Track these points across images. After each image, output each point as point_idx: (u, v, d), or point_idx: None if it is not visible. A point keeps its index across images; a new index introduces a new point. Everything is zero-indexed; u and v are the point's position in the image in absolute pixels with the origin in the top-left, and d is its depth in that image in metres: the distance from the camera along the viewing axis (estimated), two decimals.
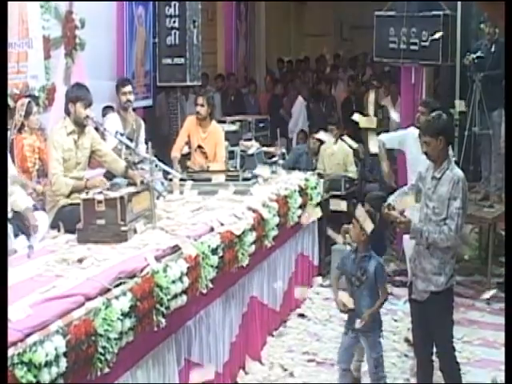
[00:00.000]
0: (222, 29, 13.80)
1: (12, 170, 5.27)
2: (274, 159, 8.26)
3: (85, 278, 4.26)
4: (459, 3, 9.31)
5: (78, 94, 5.81)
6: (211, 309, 5.48)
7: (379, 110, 11.80)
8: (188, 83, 9.26)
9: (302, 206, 7.58)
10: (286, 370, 6.26)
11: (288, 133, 12.43)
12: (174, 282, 4.62)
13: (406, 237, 6.42)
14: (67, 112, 5.84)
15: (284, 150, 9.00)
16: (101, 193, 5.25)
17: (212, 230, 5.57)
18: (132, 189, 5.52)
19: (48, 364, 3.41)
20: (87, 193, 5.37)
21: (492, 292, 7.46)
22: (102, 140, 6.21)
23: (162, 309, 4.48)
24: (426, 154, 5.07)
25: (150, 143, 5.71)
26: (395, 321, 7.22)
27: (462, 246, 8.18)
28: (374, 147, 7.83)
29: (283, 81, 14.25)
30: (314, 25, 18.06)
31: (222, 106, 12.24)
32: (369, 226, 5.18)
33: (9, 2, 5.17)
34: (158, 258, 4.72)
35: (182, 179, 6.75)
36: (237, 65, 14.12)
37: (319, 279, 8.38)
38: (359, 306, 5.32)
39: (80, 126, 5.84)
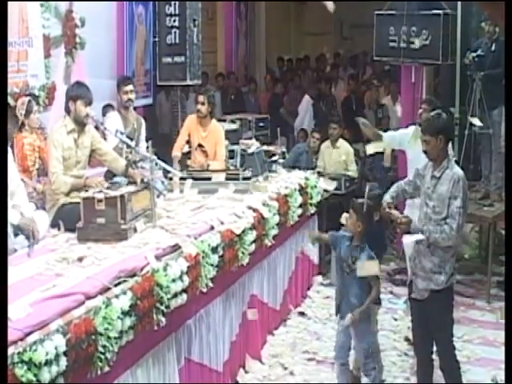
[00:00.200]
0: (222, 28, 13.80)
1: (15, 172, 5.25)
2: (274, 158, 8.26)
3: (85, 277, 4.26)
4: (459, 2, 9.31)
5: (78, 93, 5.81)
6: (211, 308, 5.48)
7: (379, 108, 11.82)
8: (188, 82, 9.24)
9: (302, 205, 7.58)
10: (286, 368, 6.27)
11: (288, 132, 12.42)
12: (174, 280, 4.62)
13: (405, 236, 6.43)
14: (67, 110, 5.84)
15: (284, 149, 8.98)
16: (101, 191, 5.25)
17: (212, 228, 5.57)
18: (132, 187, 5.52)
19: (48, 363, 3.42)
20: (87, 191, 5.37)
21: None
22: (102, 139, 6.22)
23: (162, 308, 4.48)
24: (425, 152, 5.07)
25: (150, 142, 5.71)
26: (395, 320, 7.22)
27: (462, 245, 8.19)
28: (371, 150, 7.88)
29: (283, 80, 14.25)
30: (314, 24, 18.06)
31: (222, 104, 12.24)
32: None
33: (9, 1, 5.17)
34: (158, 257, 4.72)
35: (182, 178, 6.75)
36: (237, 64, 14.12)
37: (319, 278, 8.38)
38: (347, 293, 5.34)
39: (80, 124, 5.83)
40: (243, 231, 5.80)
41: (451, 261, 5.07)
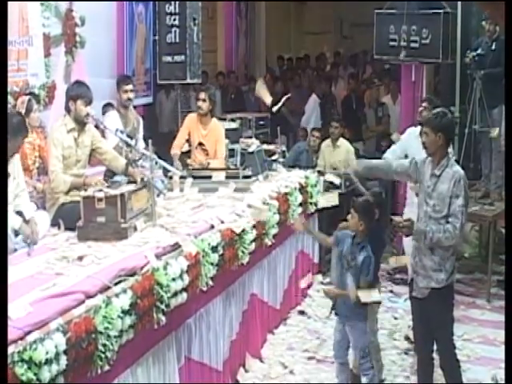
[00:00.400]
0: (222, 27, 13.80)
1: (22, 177, 5.28)
2: (275, 157, 8.26)
3: (85, 276, 4.27)
4: (459, 1, 9.31)
5: (78, 92, 5.81)
6: (211, 306, 5.48)
7: (379, 107, 11.82)
8: (188, 81, 9.25)
9: (303, 204, 7.58)
10: (286, 367, 6.27)
11: (288, 130, 12.42)
12: (174, 279, 4.62)
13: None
14: (67, 110, 5.84)
15: (284, 148, 8.98)
16: (101, 190, 5.25)
17: (212, 227, 5.57)
18: (132, 186, 5.51)
19: (48, 362, 3.42)
20: (86, 190, 5.37)
21: None
22: (102, 138, 6.22)
23: (162, 306, 4.48)
24: (423, 144, 5.09)
25: (150, 141, 5.71)
26: (395, 318, 7.23)
27: (462, 243, 8.19)
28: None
29: (283, 79, 14.24)
30: (314, 23, 18.06)
31: (222, 103, 12.23)
32: None
33: (9, 1, 5.17)
34: (158, 256, 4.72)
35: (182, 177, 6.75)
36: (237, 63, 14.11)
37: (319, 277, 8.38)
38: (344, 290, 5.32)
39: (80, 123, 5.83)
40: (243, 230, 5.81)
41: (451, 259, 5.07)
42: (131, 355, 4.29)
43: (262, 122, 11.30)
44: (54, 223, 5.49)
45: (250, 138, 8.70)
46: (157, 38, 9.28)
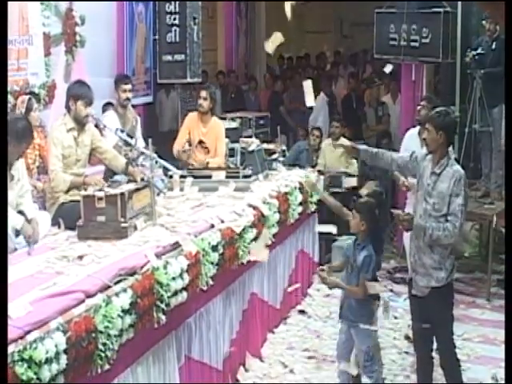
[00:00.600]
0: (222, 26, 13.80)
1: (26, 178, 5.29)
2: (275, 156, 8.26)
3: (85, 275, 4.27)
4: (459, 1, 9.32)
5: (79, 92, 5.80)
6: (211, 306, 5.48)
7: (379, 106, 11.82)
8: (188, 80, 9.25)
9: (303, 203, 7.58)
10: (286, 366, 6.27)
11: (288, 130, 12.43)
12: (174, 278, 4.62)
13: (406, 234, 6.42)
14: (68, 108, 5.84)
15: (284, 147, 8.99)
16: (101, 189, 5.25)
17: (212, 226, 5.57)
18: (132, 186, 5.51)
19: (48, 361, 3.42)
20: (86, 189, 5.37)
21: None
22: (102, 137, 6.21)
23: (163, 306, 4.48)
24: (424, 140, 5.11)
25: (150, 140, 5.71)
26: (395, 318, 7.22)
27: (462, 243, 8.19)
28: None
29: (283, 78, 14.24)
30: (315, 22, 18.06)
31: (222, 102, 12.22)
32: None
33: (9, 0, 5.17)
34: (158, 255, 4.72)
35: (182, 176, 6.75)
36: (237, 62, 14.11)
37: None
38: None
39: (80, 123, 5.83)
40: (243, 229, 5.81)
41: (451, 257, 5.07)
42: (131, 354, 4.29)
43: (261, 122, 11.30)
44: (54, 222, 5.49)
45: (250, 137, 8.70)
46: (157, 37, 9.28)
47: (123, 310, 4.05)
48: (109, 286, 4.16)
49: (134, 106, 7.73)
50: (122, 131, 6.22)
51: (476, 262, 8.86)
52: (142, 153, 6.04)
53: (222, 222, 5.71)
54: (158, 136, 8.91)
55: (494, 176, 8.59)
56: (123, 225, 5.14)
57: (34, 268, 4.47)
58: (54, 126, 5.87)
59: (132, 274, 4.39)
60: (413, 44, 8.85)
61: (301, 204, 7.50)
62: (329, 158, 9.27)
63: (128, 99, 7.22)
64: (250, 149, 7.60)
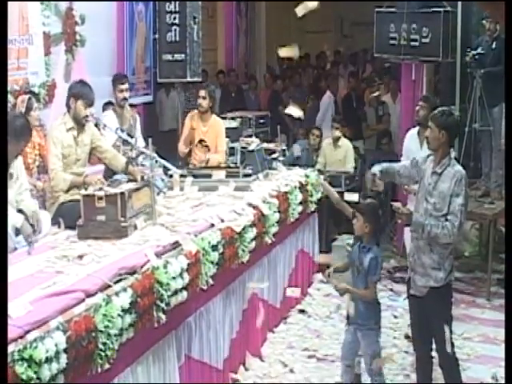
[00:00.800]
0: (222, 25, 13.79)
1: (25, 177, 5.29)
2: (275, 155, 8.26)
3: (85, 274, 4.27)
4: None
5: (80, 92, 5.80)
6: (211, 305, 5.48)
7: (379, 106, 11.82)
8: (188, 79, 9.25)
9: (303, 202, 7.58)
10: (286, 366, 6.27)
11: (288, 129, 12.43)
12: (174, 278, 4.62)
13: (407, 232, 6.43)
14: (68, 107, 5.84)
15: (284, 147, 8.99)
16: (101, 189, 5.25)
17: (212, 226, 5.57)
18: (132, 185, 5.52)
19: (48, 360, 3.42)
20: (86, 189, 5.37)
21: None
22: (102, 136, 6.21)
23: (163, 305, 4.48)
24: (426, 138, 5.13)
25: (150, 139, 5.71)
26: (395, 317, 7.22)
27: (462, 242, 8.19)
28: None
29: (283, 77, 14.24)
30: (315, 21, 18.01)
31: (223, 101, 12.22)
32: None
33: (9, 0, 5.17)
34: (158, 255, 4.72)
35: (182, 175, 6.75)
36: (237, 61, 14.11)
37: (319, 276, 8.37)
38: (355, 296, 5.33)
39: (79, 123, 5.83)
40: (243, 229, 5.81)
41: (450, 258, 5.08)
42: (131, 354, 4.29)
43: (262, 121, 11.30)
44: (54, 222, 5.49)
45: (250, 136, 8.70)
46: (157, 36, 9.28)
47: (123, 310, 4.05)
48: (109, 286, 4.16)
49: (134, 106, 7.73)
50: (122, 130, 6.22)
51: (476, 261, 8.85)
52: (142, 152, 6.05)
53: (222, 221, 5.71)
54: (158, 135, 8.91)
55: (494, 175, 8.59)
56: (123, 224, 5.15)
57: (34, 267, 4.48)
58: (54, 126, 5.87)
59: (132, 274, 4.40)
60: (413, 43, 8.84)
61: (301, 203, 7.50)
62: (329, 158, 9.28)
63: (125, 99, 7.22)
64: (250, 148, 7.61)
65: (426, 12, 8.73)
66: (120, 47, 9.04)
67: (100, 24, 8.46)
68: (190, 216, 5.75)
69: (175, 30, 9.08)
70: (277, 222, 6.65)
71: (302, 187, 7.63)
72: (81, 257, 4.63)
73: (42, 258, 4.67)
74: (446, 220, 4.91)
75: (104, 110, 7.69)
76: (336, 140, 9.34)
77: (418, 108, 7.07)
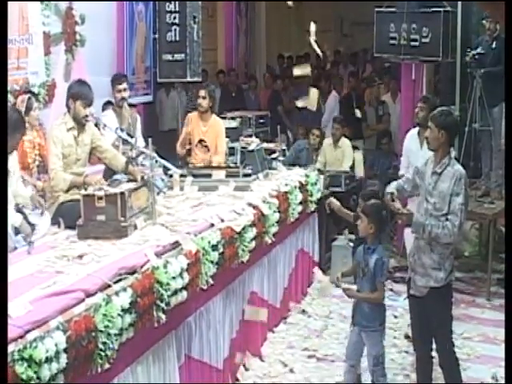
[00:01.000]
0: (222, 25, 13.79)
1: (17, 170, 5.29)
2: (275, 155, 8.26)
3: (85, 274, 4.27)
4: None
5: (79, 92, 5.79)
6: (211, 305, 5.48)
7: (379, 106, 11.82)
8: (188, 79, 9.25)
9: (303, 202, 7.58)
10: (286, 366, 6.27)
11: (288, 129, 12.44)
12: (174, 278, 4.62)
13: (407, 232, 6.43)
14: (67, 107, 5.84)
15: (284, 147, 8.99)
16: (101, 189, 5.25)
17: (212, 226, 5.57)
18: (132, 185, 5.52)
19: (48, 360, 3.42)
20: (86, 189, 5.37)
21: None
22: (102, 136, 6.21)
23: (163, 305, 4.48)
24: (426, 139, 5.14)
25: (150, 139, 5.71)
26: (395, 317, 7.21)
27: (462, 242, 8.18)
28: None
29: (283, 77, 14.24)
30: (315, 21, 18.05)
31: (223, 101, 12.22)
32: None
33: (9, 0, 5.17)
34: (158, 254, 4.72)
35: (182, 175, 6.75)
36: (237, 61, 14.11)
37: (319, 275, 8.37)
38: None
39: (79, 123, 5.83)
40: (243, 228, 5.80)
41: (450, 258, 5.08)
42: (131, 354, 4.29)
43: (262, 121, 11.30)
44: (54, 222, 5.49)
45: (250, 136, 8.70)
46: (157, 36, 9.28)
47: (123, 309, 4.05)
48: (109, 285, 4.16)
49: (134, 106, 7.73)
50: (122, 130, 6.22)
51: (476, 261, 8.85)
52: (142, 152, 6.04)
53: (222, 221, 5.70)
54: (157, 135, 8.91)
55: (494, 175, 8.59)
56: (123, 224, 5.15)
57: (34, 267, 4.48)
58: (54, 125, 5.86)
59: (132, 273, 4.40)
60: (413, 43, 8.85)
61: (301, 203, 7.50)
62: (329, 157, 9.27)
63: (123, 98, 7.22)
64: (250, 148, 7.61)
65: (425, 12, 8.73)
66: (120, 47, 9.04)
67: (100, 24, 8.46)
68: (190, 216, 5.76)
69: (175, 29, 9.08)
70: (277, 222, 6.65)
71: (302, 187, 7.63)
72: (81, 256, 4.63)
73: (41, 257, 4.67)
74: (447, 220, 4.91)
75: (104, 109, 7.69)
76: (336, 141, 9.33)
77: (417, 109, 7.06)
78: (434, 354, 5.29)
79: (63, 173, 5.71)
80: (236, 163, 7.48)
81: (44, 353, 3.38)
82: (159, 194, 6.22)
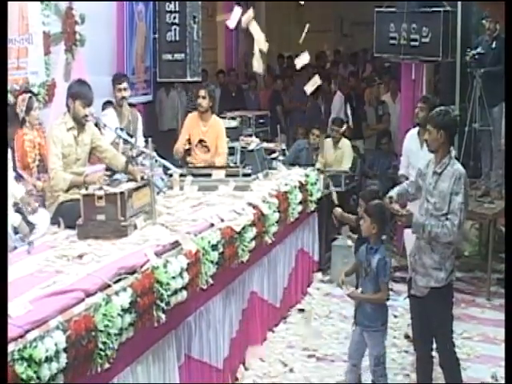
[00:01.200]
0: (222, 25, 13.77)
1: (10, 166, 5.28)
2: (274, 155, 8.26)
3: (85, 274, 4.27)
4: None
5: (78, 92, 5.79)
6: (211, 304, 5.48)
7: (379, 105, 11.82)
8: (188, 79, 9.25)
9: (303, 202, 7.58)
10: (286, 365, 6.27)
11: (288, 129, 12.43)
12: (174, 277, 4.62)
13: (407, 232, 6.43)
14: (68, 107, 5.84)
15: (284, 146, 8.99)
16: (101, 188, 5.25)
17: (212, 225, 5.57)
18: (132, 184, 5.52)
19: (48, 360, 3.42)
20: (87, 188, 5.37)
21: None
22: (102, 136, 6.21)
23: (162, 304, 4.48)
24: (426, 141, 5.14)
25: (150, 139, 5.71)
26: (395, 317, 7.21)
27: (462, 242, 8.18)
28: None
29: (283, 77, 14.23)
30: (315, 21, 17.98)
31: (223, 101, 12.22)
32: None
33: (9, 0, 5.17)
34: (158, 254, 4.72)
35: (182, 175, 6.75)
36: (237, 61, 14.10)
37: (319, 275, 8.38)
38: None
39: (79, 123, 5.83)
40: (243, 228, 5.81)
41: (451, 258, 5.08)
42: (131, 353, 4.29)
43: (262, 121, 11.30)
44: (54, 221, 5.49)
45: (250, 136, 8.69)
46: (157, 36, 9.28)
47: (123, 309, 4.05)
48: (109, 285, 4.16)
49: (133, 105, 7.72)
50: (122, 130, 6.21)
51: (476, 260, 8.85)
52: (142, 151, 6.04)
53: (222, 220, 5.70)
54: (157, 135, 8.90)
55: (494, 175, 8.59)
56: (123, 224, 5.15)
57: (34, 267, 4.48)
58: (54, 125, 5.86)
59: (132, 273, 4.40)
60: (413, 43, 8.85)
61: (300, 203, 7.50)
62: (329, 158, 9.27)
63: (124, 98, 7.22)
64: (250, 148, 7.61)
65: (425, 12, 8.73)
66: (120, 47, 9.03)
67: (100, 23, 8.45)
68: (190, 215, 5.76)
69: (175, 29, 9.08)
70: (277, 222, 6.66)
71: (302, 187, 7.63)
72: (80, 256, 4.63)
73: (41, 257, 4.67)
74: (446, 219, 4.91)
75: (103, 109, 7.69)
76: (336, 142, 9.33)
77: (417, 110, 7.05)
78: (434, 353, 5.30)
79: (63, 172, 5.71)
80: (236, 163, 7.48)
81: (44, 352, 3.39)
82: (159, 193, 6.22)
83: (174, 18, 9.07)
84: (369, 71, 14.87)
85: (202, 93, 7.54)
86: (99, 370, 3.86)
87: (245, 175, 6.97)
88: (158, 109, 11.38)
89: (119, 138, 6.25)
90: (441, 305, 5.11)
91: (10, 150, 5.26)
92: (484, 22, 8.62)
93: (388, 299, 5.39)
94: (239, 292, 6.10)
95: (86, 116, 5.80)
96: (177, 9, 9.07)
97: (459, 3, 9.30)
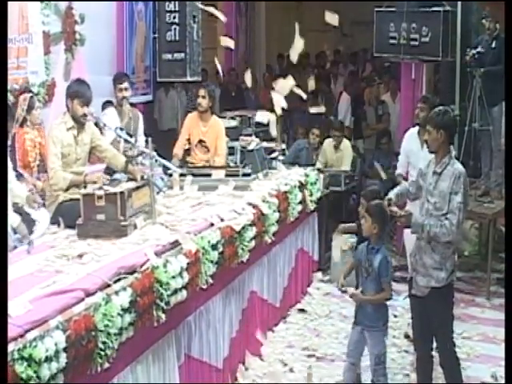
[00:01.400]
0: (222, 24, 13.76)
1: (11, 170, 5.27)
2: (274, 155, 8.26)
3: (85, 274, 4.27)
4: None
5: (76, 92, 5.79)
6: (211, 304, 5.48)
7: (379, 105, 11.81)
8: (188, 79, 9.24)
9: (302, 202, 7.58)
10: (285, 365, 6.27)
11: (288, 128, 12.43)
12: (174, 277, 4.62)
13: (406, 232, 6.43)
14: (67, 106, 5.84)
15: (284, 146, 8.99)
16: (101, 188, 5.25)
17: (212, 225, 5.57)
18: (132, 184, 5.52)
19: (48, 359, 3.42)
20: (86, 187, 5.37)
21: None
22: (102, 136, 6.21)
23: (162, 304, 4.48)
24: (426, 142, 5.14)
25: (150, 139, 5.71)
26: (395, 316, 7.20)
27: (462, 241, 8.19)
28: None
29: (283, 77, 14.19)
30: (314, 20, 17.99)
31: (223, 101, 12.21)
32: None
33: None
34: (158, 254, 4.72)
35: (182, 174, 6.75)
36: (237, 60, 14.09)
37: (319, 275, 8.38)
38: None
39: (78, 122, 5.83)
40: (243, 228, 5.81)
41: (452, 257, 5.07)
42: (131, 353, 4.29)
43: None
44: (54, 221, 5.49)
45: (250, 135, 8.68)
46: (156, 35, 9.28)
47: (123, 309, 4.05)
48: (108, 285, 4.16)
49: (133, 105, 7.71)
50: (122, 129, 6.21)
51: (476, 260, 8.85)
52: (142, 151, 6.04)
53: (222, 220, 5.70)
54: (157, 134, 8.89)
55: (494, 175, 8.59)
56: (123, 223, 5.15)
57: (34, 266, 4.48)
58: (54, 125, 5.86)
59: (132, 273, 4.40)
60: (412, 43, 8.85)
61: (300, 203, 7.50)
62: (330, 158, 9.26)
63: (125, 98, 7.21)
64: (250, 147, 7.61)
65: (425, 11, 8.73)
66: (120, 46, 9.04)
67: (100, 23, 8.45)
68: (190, 215, 5.76)
69: (175, 29, 9.07)
70: (276, 222, 6.66)
71: (302, 186, 7.63)
72: (80, 256, 4.63)
73: (41, 257, 4.67)
74: (446, 219, 4.91)
75: (103, 108, 7.69)
76: (337, 144, 9.31)
77: (417, 110, 7.04)
78: (434, 353, 5.30)
79: (63, 172, 5.71)
80: (236, 163, 7.48)
81: (44, 352, 3.39)
82: (159, 193, 6.22)
83: (174, 17, 9.06)
84: (369, 71, 14.87)
85: (202, 92, 7.54)
86: (99, 369, 3.86)
87: (245, 175, 6.97)
88: (157, 108, 11.39)
89: (119, 137, 6.25)
90: (441, 305, 5.11)
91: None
92: (484, 21, 8.61)
93: (390, 299, 5.39)
94: (239, 292, 6.09)
95: (85, 115, 5.79)
96: (177, 8, 9.06)
97: (459, 3, 9.31)
